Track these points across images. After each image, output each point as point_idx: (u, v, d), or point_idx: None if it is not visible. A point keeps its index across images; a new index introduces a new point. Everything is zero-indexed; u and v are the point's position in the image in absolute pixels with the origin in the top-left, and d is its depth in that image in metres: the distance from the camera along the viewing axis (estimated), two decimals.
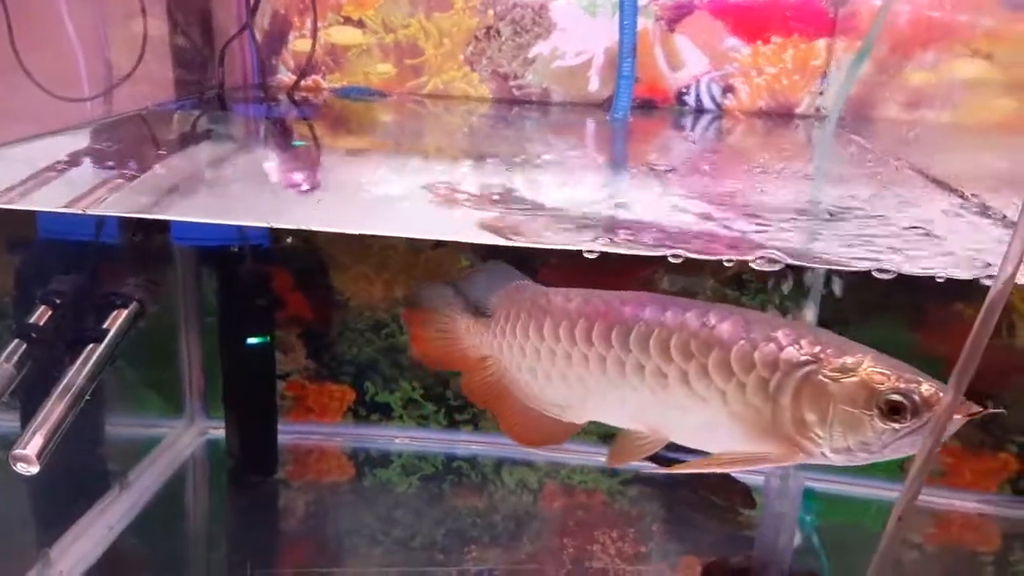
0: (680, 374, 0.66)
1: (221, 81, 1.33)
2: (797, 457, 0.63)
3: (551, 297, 0.75)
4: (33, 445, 0.82)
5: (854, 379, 0.60)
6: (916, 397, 0.58)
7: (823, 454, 0.62)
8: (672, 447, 0.72)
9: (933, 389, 0.58)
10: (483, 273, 0.83)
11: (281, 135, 1.18)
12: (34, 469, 0.82)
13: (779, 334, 0.64)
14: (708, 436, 0.67)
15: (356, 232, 0.71)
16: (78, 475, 1.15)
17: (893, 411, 0.58)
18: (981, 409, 0.57)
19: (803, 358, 0.62)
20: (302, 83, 1.37)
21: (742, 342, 0.64)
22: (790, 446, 0.63)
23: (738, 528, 1.21)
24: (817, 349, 0.62)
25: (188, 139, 1.11)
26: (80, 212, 0.76)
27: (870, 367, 0.60)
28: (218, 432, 1.35)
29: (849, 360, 0.61)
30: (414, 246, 1.33)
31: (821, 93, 1.30)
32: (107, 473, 1.22)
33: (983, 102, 1.22)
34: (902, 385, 0.58)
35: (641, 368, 0.68)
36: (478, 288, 0.82)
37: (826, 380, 0.61)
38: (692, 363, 0.66)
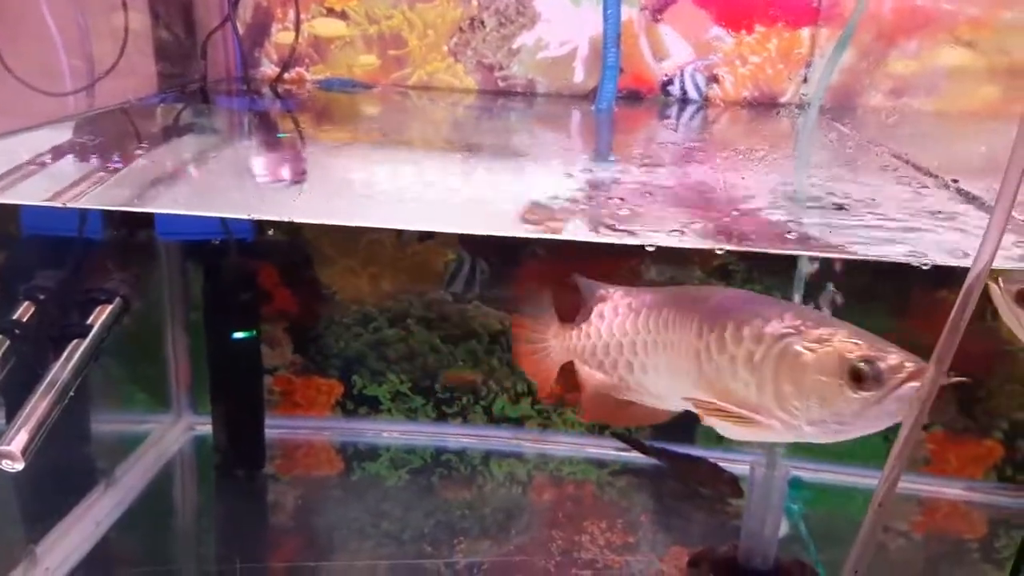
0: (705, 352, 0.69)
1: (204, 74, 1.32)
2: (780, 431, 0.65)
3: (634, 295, 0.79)
4: (17, 442, 0.82)
5: (827, 348, 0.62)
6: (882, 365, 0.59)
7: (802, 427, 0.64)
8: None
9: (899, 359, 0.59)
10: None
11: (265, 128, 1.18)
12: (19, 466, 0.81)
13: (767, 310, 0.66)
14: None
15: (344, 224, 0.71)
16: (64, 472, 1.14)
17: (860, 379, 0.60)
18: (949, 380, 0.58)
19: (783, 330, 0.64)
20: (285, 75, 1.36)
21: (735, 319, 0.67)
22: (774, 420, 0.65)
23: (726, 518, 1.22)
24: (797, 322, 0.64)
25: (171, 132, 1.10)
26: (62, 206, 0.75)
27: (842, 338, 0.62)
28: (205, 428, 1.34)
29: (825, 332, 0.63)
30: (400, 239, 1.33)
31: (805, 81, 1.31)
32: (94, 470, 1.22)
33: (966, 90, 1.22)
34: (870, 353, 0.60)
35: (679, 348, 0.71)
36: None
37: (802, 351, 0.63)
38: (709, 341, 0.68)
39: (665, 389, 0.76)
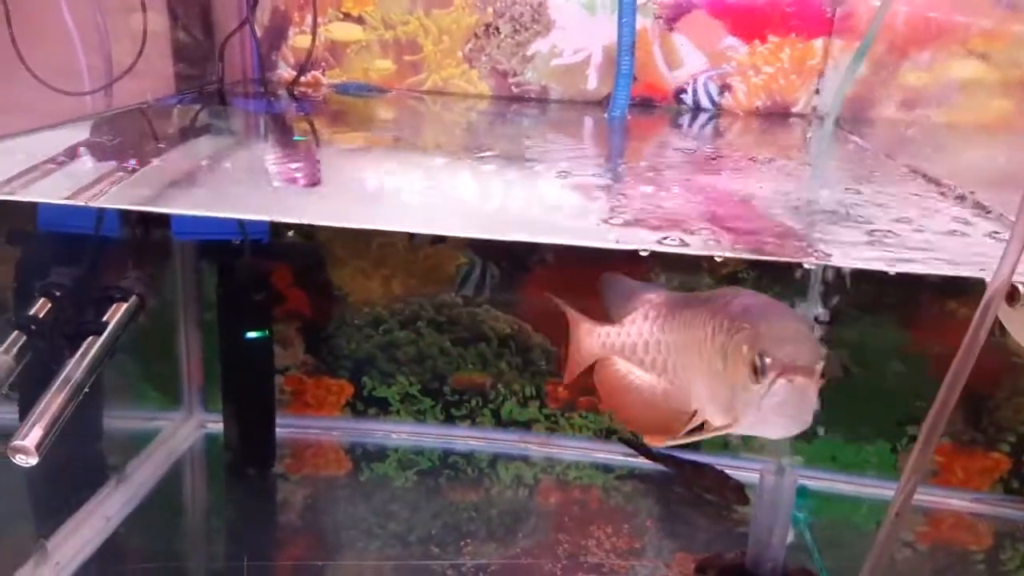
0: (703, 343, 0.72)
1: (221, 76, 1.33)
2: (731, 423, 0.67)
3: (669, 296, 0.82)
4: (32, 437, 0.82)
5: (745, 340, 0.64)
6: (768, 360, 0.61)
7: (724, 415, 0.67)
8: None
9: (788, 354, 0.61)
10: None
11: (281, 130, 1.18)
12: (33, 461, 0.82)
13: (733, 301, 0.70)
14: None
15: (358, 226, 0.72)
16: (76, 467, 1.16)
17: (755, 372, 0.62)
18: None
19: (736, 323, 0.67)
20: (302, 79, 1.37)
21: (712, 312, 0.71)
22: (730, 408, 0.67)
23: (732, 525, 1.22)
24: (746, 314, 0.67)
25: (189, 133, 1.11)
26: (83, 204, 0.76)
27: (760, 331, 0.64)
28: (216, 426, 1.35)
29: (746, 324, 0.66)
30: (412, 243, 1.34)
31: (817, 92, 1.31)
32: (105, 465, 1.23)
33: (979, 102, 1.22)
34: (766, 347, 0.62)
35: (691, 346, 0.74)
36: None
37: (741, 341, 0.65)
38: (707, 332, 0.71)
39: (687, 388, 0.77)
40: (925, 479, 1.31)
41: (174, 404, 1.41)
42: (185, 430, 1.40)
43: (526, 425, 1.42)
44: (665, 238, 0.65)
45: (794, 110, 1.32)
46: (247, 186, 0.88)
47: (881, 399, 1.30)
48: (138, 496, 1.23)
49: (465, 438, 1.42)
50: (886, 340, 1.29)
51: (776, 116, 1.32)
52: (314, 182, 0.90)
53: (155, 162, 0.88)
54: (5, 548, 1.09)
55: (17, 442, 0.82)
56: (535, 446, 1.42)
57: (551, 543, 1.20)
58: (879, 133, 1.22)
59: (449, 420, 1.42)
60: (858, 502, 1.30)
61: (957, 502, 1.31)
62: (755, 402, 0.62)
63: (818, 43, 1.29)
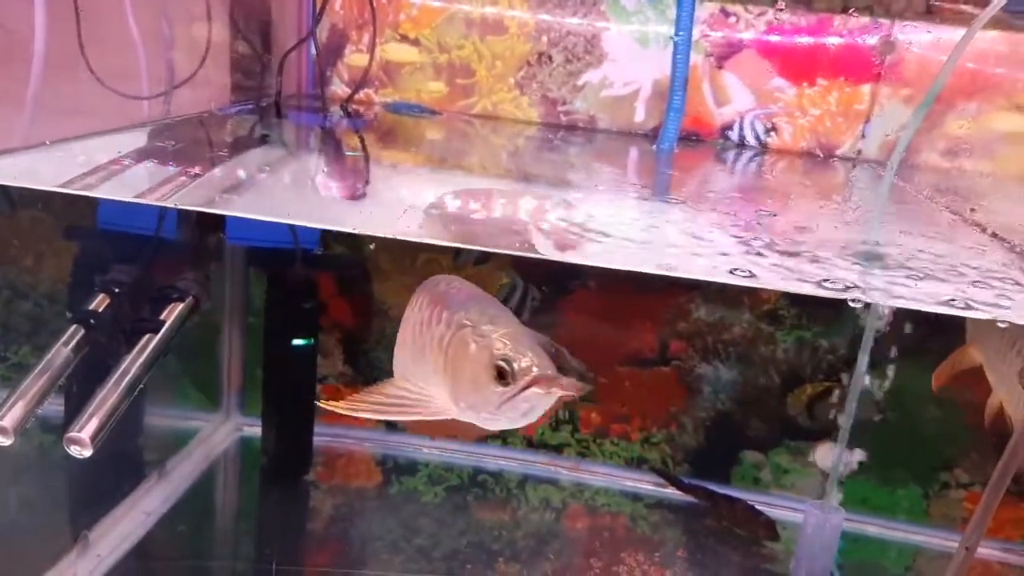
0: (418, 325, 0.77)
1: (279, 90, 1.36)
2: (449, 409, 0.73)
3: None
4: (88, 428, 0.84)
5: (484, 343, 0.69)
6: (515, 366, 0.66)
7: (461, 407, 0.71)
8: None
9: (531, 363, 0.66)
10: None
11: (334, 144, 1.21)
12: (87, 452, 0.84)
13: (467, 302, 0.74)
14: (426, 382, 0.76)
15: (406, 239, 0.74)
16: (119, 461, 1.17)
17: (500, 375, 0.66)
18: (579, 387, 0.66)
19: (464, 321, 0.71)
20: (355, 96, 1.40)
21: (440, 307, 0.75)
22: (447, 396, 0.72)
23: (761, 561, 1.22)
24: (476, 316, 0.72)
25: (248, 143, 1.13)
26: (156, 203, 0.78)
27: (499, 337, 0.69)
28: (251, 429, 1.37)
29: (490, 328, 0.70)
30: (456, 261, 1.36)
31: (863, 136, 1.33)
32: (146, 461, 1.25)
33: (1022, 154, 1.24)
34: (509, 354, 0.67)
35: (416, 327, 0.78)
36: None
37: (469, 341, 0.69)
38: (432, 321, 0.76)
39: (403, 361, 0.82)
40: (954, 526, 1.31)
41: (213, 406, 1.43)
42: (223, 432, 1.42)
43: (557, 448, 1.43)
44: (735, 270, 0.66)
45: (838, 152, 1.34)
46: (299, 195, 0.90)
47: (915, 444, 1.30)
48: (176, 493, 1.25)
49: (496, 457, 1.43)
50: (922, 385, 1.29)
51: (820, 158, 1.34)
52: (360, 195, 0.92)
53: (216, 169, 0.90)
54: (49, 538, 1.11)
55: (74, 433, 0.83)
56: (565, 470, 1.42)
57: (577, 568, 1.20)
58: (923, 179, 1.23)
59: (481, 438, 1.43)
60: (887, 546, 1.30)
61: (988, 551, 1.31)
62: (497, 403, 0.67)
63: (866, 89, 1.31)
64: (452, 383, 0.71)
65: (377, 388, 0.78)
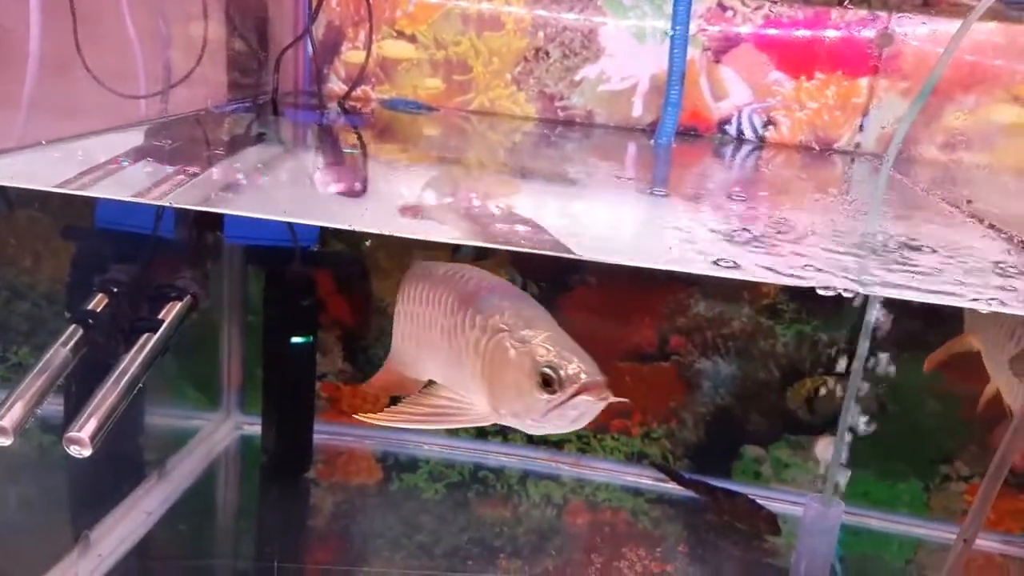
0: (451, 330, 0.75)
1: (275, 87, 1.35)
2: (489, 415, 0.70)
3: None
4: (88, 428, 0.84)
5: (525, 349, 0.66)
6: (562, 373, 0.64)
7: (503, 414, 0.69)
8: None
9: (578, 370, 0.64)
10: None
11: (331, 142, 1.21)
12: (87, 452, 0.83)
13: (499, 304, 0.71)
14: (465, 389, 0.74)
15: (405, 235, 0.73)
16: (119, 460, 1.17)
17: (546, 382, 0.65)
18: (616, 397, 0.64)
19: (500, 325, 0.69)
20: (352, 93, 1.40)
21: (472, 308, 0.72)
22: (487, 403, 0.70)
23: (762, 555, 1.22)
24: (512, 320, 0.69)
25: (245, 141, 1.13)
26: (157, 203, 0.78)
27: (541, 342, 0.67)
28: (251, 428, 1.37)
29: (530, 333, 0.68)
30: (454, 257, 1.36)
31: (861, 130, 1.32)
32: (146, 461, 1.25)
33: (1021, 147, 1.24)
34: (554, 360, 0.65)
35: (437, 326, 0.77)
36: None
37: (509, 347, 0.67)
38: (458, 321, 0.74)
39: (427, 362, 0.81)
40: (953, 518, 1.31)
41: (213, 404, 1.43)
42: (223, 431, 1.42)
43: (558, 444, 1.43)
44: (718, 260, 0.66)
45: (836, 146, 1.34)
46: (297, 192, 0.90)
47: (915, 437, 1.31)
48: (177, 492, 1.25)
49: (496, 453, 1.43)
50: (922, 378, 1.29)
51: (818, 151, 1.33)
52: (359, 191, 0.92)
53: (214, 168, 0.90)
54: (50, 538, 1.11)
55: (73, 433, 0.83)
56: (566, 466, 1.42)
57: (578, 564, 1.20)
58: (921, 172, 1.23)
59: (481, 435, 1.43)
60: (888, 538, 1.30)
61: (988, 543, 1.31)
62: (543, 410, 0.65)
63: (863, 82, 1.31)
64: (492, 389, 0.69)
65: (416, 398, 0.76)
